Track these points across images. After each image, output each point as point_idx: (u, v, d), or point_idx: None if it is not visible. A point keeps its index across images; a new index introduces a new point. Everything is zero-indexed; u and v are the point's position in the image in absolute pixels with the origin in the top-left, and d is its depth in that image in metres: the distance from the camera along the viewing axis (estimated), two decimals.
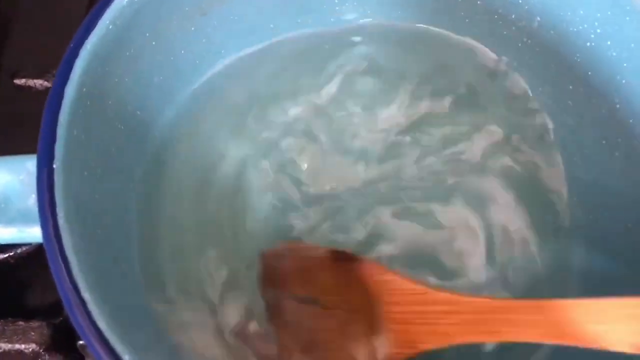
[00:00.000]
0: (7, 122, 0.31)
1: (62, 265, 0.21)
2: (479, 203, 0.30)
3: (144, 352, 0.21)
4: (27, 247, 0.30)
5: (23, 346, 0.27)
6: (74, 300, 0.21)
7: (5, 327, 0.27)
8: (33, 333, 0.27)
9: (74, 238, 0.21)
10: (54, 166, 0.22)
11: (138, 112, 0.27)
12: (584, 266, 0.29)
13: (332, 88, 0.32)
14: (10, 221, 0.23)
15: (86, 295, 0.21)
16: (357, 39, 0.32)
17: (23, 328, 0.27)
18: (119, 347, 0.20)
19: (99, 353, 0.20)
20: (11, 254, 0.30)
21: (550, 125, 0.31)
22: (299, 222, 0.30)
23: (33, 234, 0.23)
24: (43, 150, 0.22)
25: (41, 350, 0.27)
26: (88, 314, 0.20)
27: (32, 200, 0.23)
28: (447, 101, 0.32)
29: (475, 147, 0.31)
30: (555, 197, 0.30)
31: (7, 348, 0.27)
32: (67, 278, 0.21)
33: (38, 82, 0.32)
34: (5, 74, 0.33)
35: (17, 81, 0.32)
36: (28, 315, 0.28)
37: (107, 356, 0.20)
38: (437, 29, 0.31)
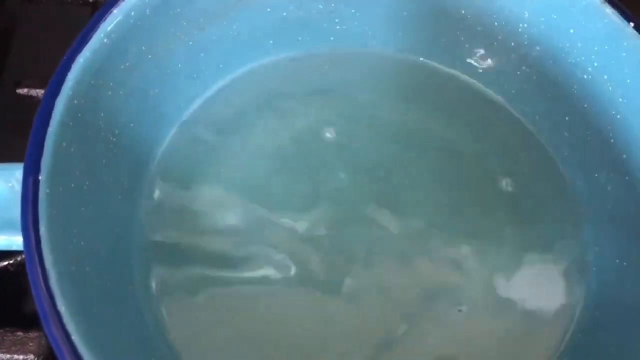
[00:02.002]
0: (7, 130, 0.31)
1: (40, 275, 0.21)
2: None
3: None
4: None
5: (21, 357, 0.27)
6: (49, 311, 0.20)
7: (4, 337, 0.27)
8: (31, 344, 0.27)
9: (55, 249, 0.21)
10: (40, 177, 0.22)
11: (131, 125, 0.27)
12: None
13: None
14: None
15: (62, 308, 0.21)
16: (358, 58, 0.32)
17: (22, 338, 0.27)
18: None
19: None
20: (11, 261, 0.29)
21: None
22: None
23: (19, 242, 0.23)
24: (29, 161, 0.22)
25: None
26: (63, 326, 0.20)
27: (20, 209, 0.23)
28: None
29: None
30: None
31: (5, 358, 0.27)
32: (44, 288, 0.21)
33: (40, 92, 0.32)
34: (8, 83, 0.33)
35: (19, 90, 0.32)
36: (27, 324, 0.28)
37: None
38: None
